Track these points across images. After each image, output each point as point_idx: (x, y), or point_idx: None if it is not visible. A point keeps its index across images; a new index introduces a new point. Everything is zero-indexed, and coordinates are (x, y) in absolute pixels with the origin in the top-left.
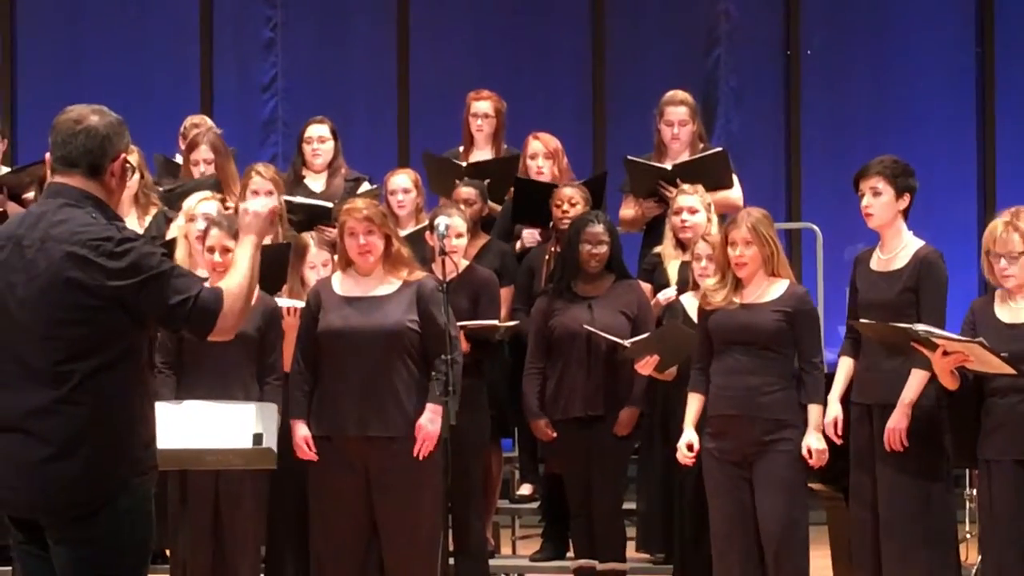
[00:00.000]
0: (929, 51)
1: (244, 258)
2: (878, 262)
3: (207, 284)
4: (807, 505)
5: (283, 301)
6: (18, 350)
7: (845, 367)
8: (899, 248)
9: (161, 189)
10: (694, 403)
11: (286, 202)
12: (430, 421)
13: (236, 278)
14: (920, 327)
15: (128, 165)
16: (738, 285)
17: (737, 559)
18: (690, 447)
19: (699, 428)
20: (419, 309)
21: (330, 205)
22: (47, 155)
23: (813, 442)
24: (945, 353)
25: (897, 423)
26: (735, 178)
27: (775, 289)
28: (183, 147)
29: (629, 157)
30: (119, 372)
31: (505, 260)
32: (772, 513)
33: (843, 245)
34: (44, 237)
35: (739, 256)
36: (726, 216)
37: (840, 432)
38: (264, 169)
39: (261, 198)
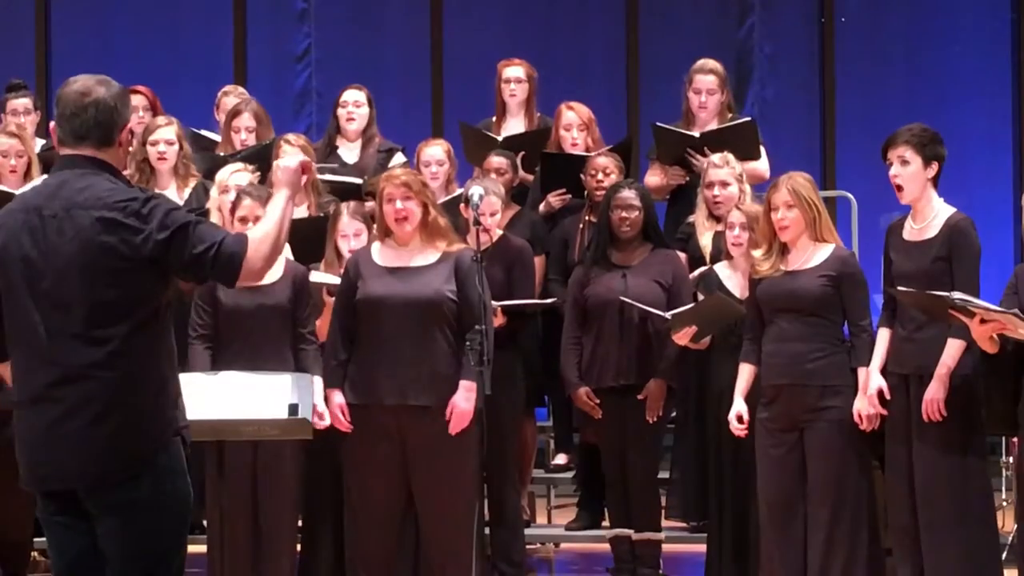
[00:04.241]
0: (964, 17)
1: (275, 208)
2: (910, 231)
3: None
4: (863, 470)
5: (320, 276)
6: (48, 320)
7: (884, 338)
8: (931, 217)
9: (227, 155)
10: (744, 373)
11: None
12: (465, 399)
13: (264, 225)
14: (957, 295)
15: (131, 132)
16: (784, 252)
17: (785, 529)
18: (739, 418)
19: (749, 399)
20: (457, 280)
21: (359, 181)
22: (52, 124)
23: (865, 406)
24: (983, 321)
25: (935, 393)
26: (763, 150)
27: (820, 254)
28: (218, 118)
29: (657, 124)
30: (149, 333)
31: (536, 229)
32: (825, 479)
33: (878, 213)
34: (68, 205)
35: (781, 219)
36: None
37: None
38: (294, 138)
39: (291, 157)
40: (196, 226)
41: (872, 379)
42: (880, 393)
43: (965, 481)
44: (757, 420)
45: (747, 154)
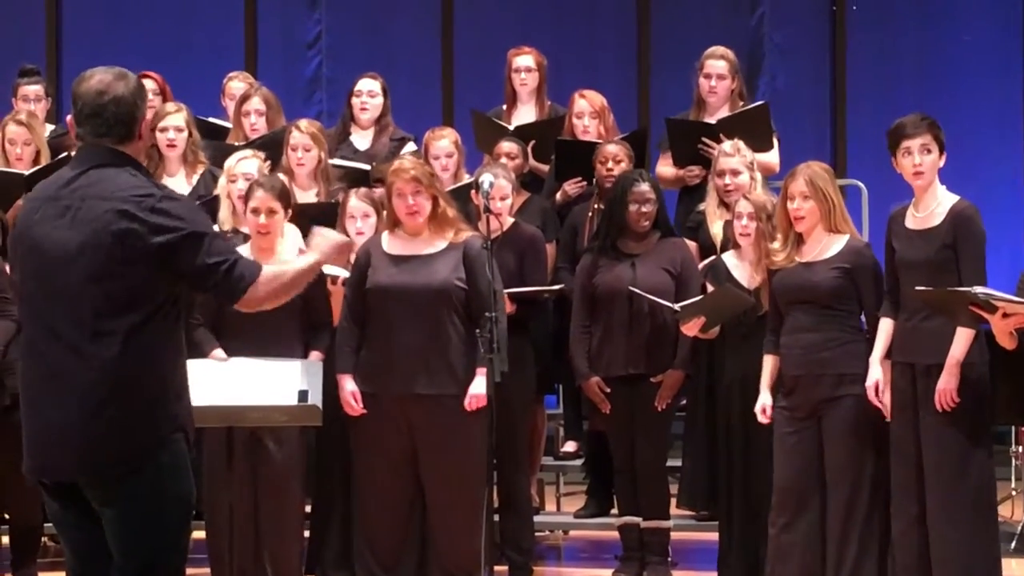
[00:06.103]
0: (975, 5)
1: (302, 265)
2: (914, 220)
3: (249, 248)
4: (879, 456)
5: (327, 268)
6: (57, 310)
7: (885, 328)
8: (934, 205)
9: (238, 144)
10: (768, 364)
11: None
12: (482, 386)
13: (283, 269)
14: (980, 290)
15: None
16: (800, 242)
17: (797, 516)
18: (763, 410)
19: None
20: (466, 267)
21: (367, 167)
22: (69, 118)
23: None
24: (1005, 315)
25: (947, 383)
26: (775, 140)
27: (835, 245)
28: (225, 104)
29: (670, 118)
30: (155, 328)
31: (546, 217)
32: (842, 465)
33: (888, 202)
34: (84, 196)
35: (796, 209)
36: (768, 180)
37: (880, 394)
38: (306, 124)
39: (336, 233)
40: (214, 238)
41: (872, 370)
42: (876, 386)
43: (971, 470)
44: (776, 408)
45: (760, 143)
